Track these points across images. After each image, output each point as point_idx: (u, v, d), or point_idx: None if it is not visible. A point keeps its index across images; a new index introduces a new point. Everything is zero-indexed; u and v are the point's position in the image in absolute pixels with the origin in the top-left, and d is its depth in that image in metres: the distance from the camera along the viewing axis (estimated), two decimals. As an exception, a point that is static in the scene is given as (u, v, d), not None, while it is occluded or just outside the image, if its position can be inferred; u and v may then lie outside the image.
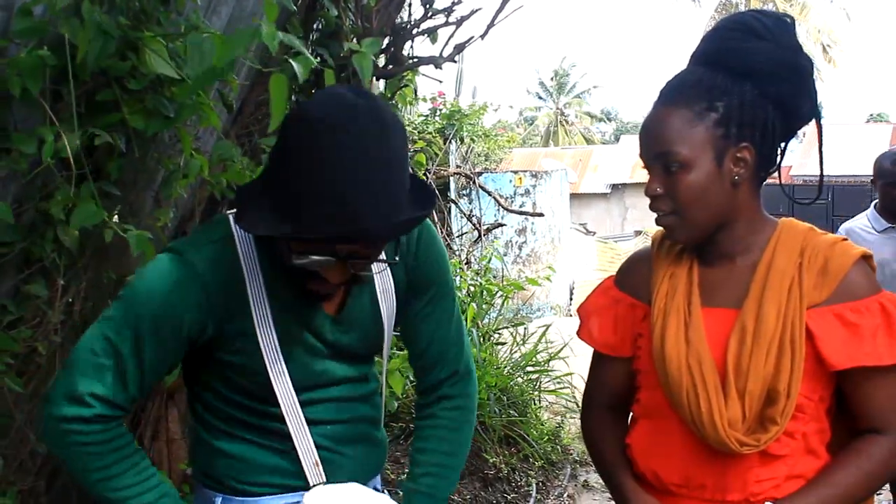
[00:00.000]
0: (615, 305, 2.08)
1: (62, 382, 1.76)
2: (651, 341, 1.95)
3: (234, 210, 1.80)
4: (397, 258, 1.88)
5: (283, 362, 1.85)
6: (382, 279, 1.97)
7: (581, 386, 7.33)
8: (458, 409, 2.11)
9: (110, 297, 2.63)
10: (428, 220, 1.96)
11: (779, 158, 1.94)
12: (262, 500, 1.92)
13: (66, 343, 2.49)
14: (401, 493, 2.08)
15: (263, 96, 3.45)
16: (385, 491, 2.14)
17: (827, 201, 24.91)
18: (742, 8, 37.76)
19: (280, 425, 1.90)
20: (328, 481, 1.92)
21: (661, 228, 1.98)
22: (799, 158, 26.06)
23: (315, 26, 3.79)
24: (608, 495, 6.05)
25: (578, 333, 2.15)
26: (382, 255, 1.84)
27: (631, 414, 2.12)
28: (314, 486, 1.91)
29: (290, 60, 2.26)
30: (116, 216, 2.19)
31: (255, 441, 1.92)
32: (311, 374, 1.91)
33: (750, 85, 1.82)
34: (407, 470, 2.12)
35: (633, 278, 2.08)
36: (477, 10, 4.13)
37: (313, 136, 1.61)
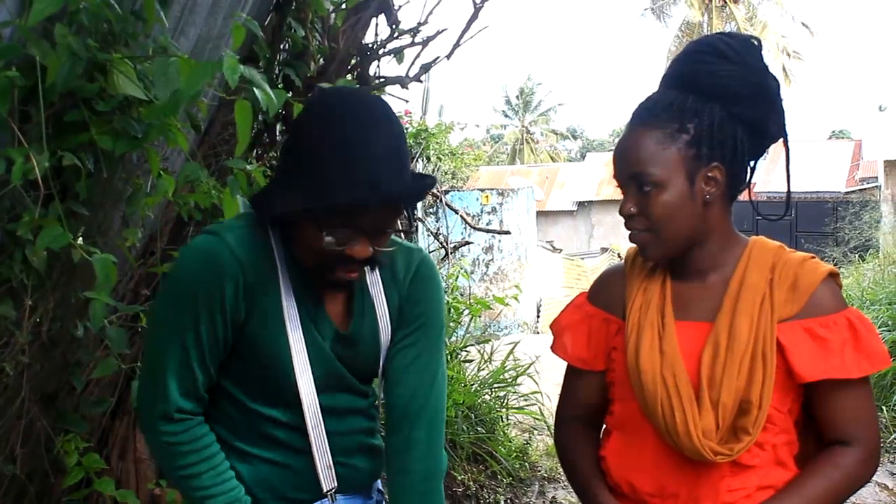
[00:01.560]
0: (588, 320, 2.13)
1: (144, 390, 1.97)
2: (626, 354, 2.00)
3: (255, 208, 1.92)
4: (415, 224, 2.01)
5: (306, 356, 1.93)
6: (380, 306, 2.03)
7: (549, 404, 7.36)
8: (425, 460, 2.06)
9: (78, 316, 2.63)
10: (431, 260, 2.15)
11: (748, 177, 2.00)
12: None
13: (33, 363, 2.48)
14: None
15: (230, 117, 3.47)
16: (385, 496, 2.21)
17: (791, 218, 25.21)
18: (705, 26, 38.24)
19: (296, 435, 1.97)
20: (338, 489, 2.01)
21: (633, 245, 2.04)
22: (763, 175, 26.32)
23: (282, 46, 3.81)
24: (576, 511, 6.12)
25: (552, 348, 2.20)
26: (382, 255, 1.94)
27: (604, 427, 2.16)
28: (328, 491, 2.00)
29: (255, 89, 2.27)
30: (81, 238, 2.19)
31: (270, 459, 1.99)
32: (324, 377, 1.97)
33: (719, 106, 1.89)
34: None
35: (607, 294, 2.13)
36: (443, 31, 4.18)
37: (332, 122, 1.79)
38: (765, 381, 1.87)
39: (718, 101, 1.89)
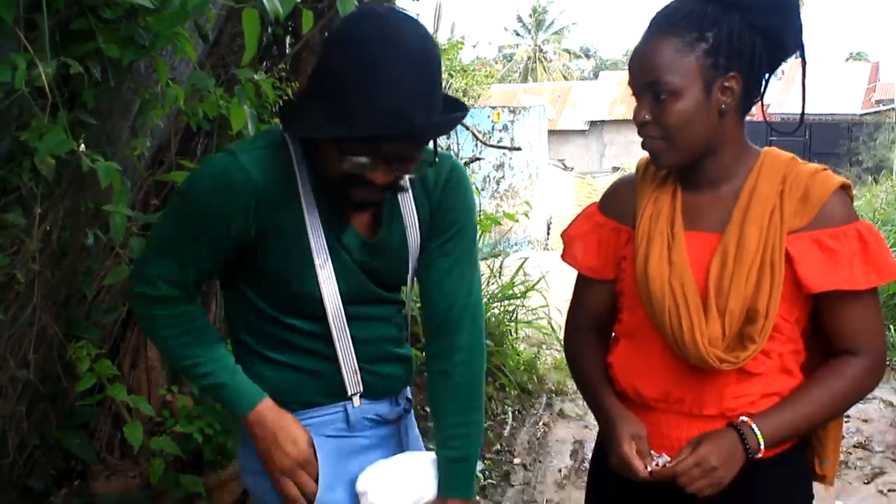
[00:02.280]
0: (599, 230, 2.14)
1: (137, 264, 2.08)
2: (635, 263, 2.01)
3: (282, 121, 1.90)
4: (437, 158, 1.97)
5: (331, 266, 1.94)
6: (408, 213, 2.03)
7: (557, 318, 7.37)
8: (469, 364, 2.09)
9: (88, 225, 2.66)
10: (462, 166, 2.11)
11: (763, 89, 1.99)
12: (303, 414, 2.02)
13: (44, 271, 2.51)
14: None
15: (239, 28, 3.45)
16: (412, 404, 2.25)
17: (804, 139, 24.98)
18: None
19: (320, 343, 1.99)
20: (363, 394, 2.04)
21: (644, 156, 2.05)
22: (777, 96, 26.08)
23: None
24: (583, 423, 6.20)
25: (562, 257, 2.22)
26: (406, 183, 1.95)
27: (613, 334, 2.18)
28: (352, 394, 2.03)
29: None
30: (83, 145, 2.19)
31: (294, 364, 2.01)
32: (349, 288, 1.98)
33: (739, 16, 1.86)
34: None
35: (617, 203, 2.14)
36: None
37: (362, 47, 1.72)
38: (772, 290, 1.88)
39: (738, 10, 1.86)
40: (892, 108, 26.99)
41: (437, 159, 1.97)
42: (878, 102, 29.48)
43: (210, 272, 2.00)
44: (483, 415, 2.13)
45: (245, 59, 2.21)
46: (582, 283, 2.22)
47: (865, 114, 27.99)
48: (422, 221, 2.05)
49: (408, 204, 2.03)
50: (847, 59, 46.14)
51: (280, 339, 2.00)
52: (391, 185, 1.86)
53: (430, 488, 2.04)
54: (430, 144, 1.91)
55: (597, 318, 2.20)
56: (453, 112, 1.86)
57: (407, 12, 1.86)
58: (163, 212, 1.97)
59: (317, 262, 1.92)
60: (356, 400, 2.03)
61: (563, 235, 2.23)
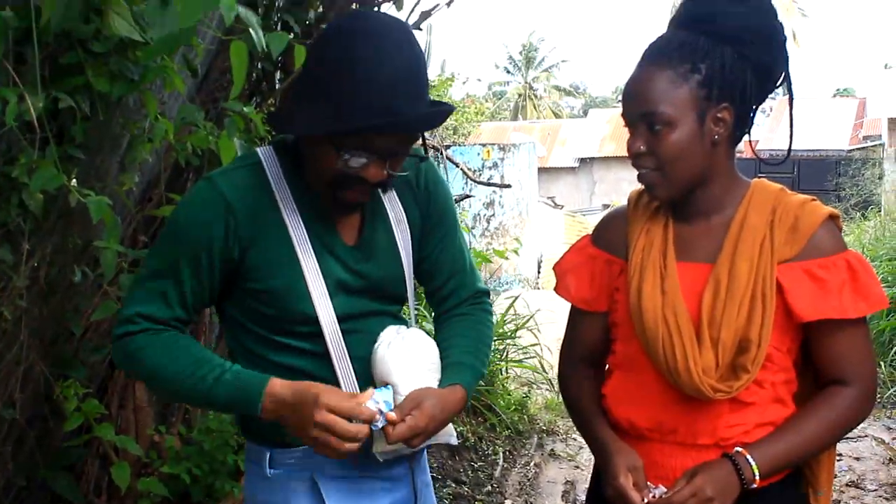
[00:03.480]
0: (591, 262, 2.16)
1: (120, 310, 1.97)
2: (628, 294, 2.02)
3: (273, 124, 1.94)
4: (427, 155, 2.05)
5: (324, 284, 1.93)
6: (395, 209, 2.06)
7: (548, 357, 7.35)
8: (483, 311, 2.21)
9: (76, 262, 2.63)
10: (433, 162, 2.19)
11: (751, 121, 2.01)
12: (308, 451, 1.93)
13: (31, 308, 2.48)
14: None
15: (228, 62, 3.44)
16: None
17: (793, 175, 25.11)
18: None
19: (319, 364, 1.95)
20: None
21: (636, 188, 2.08)
22: (766, 133, 26.24)
23: (281, -7, 3.78)
24: (574, 464, 6.16)
25: (555, 290, 2.22)
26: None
27: (607, 366, 2.18)
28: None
29: (251, 31, 2.25)
30: (75, 180, 2.18)
31: None
32: (344, 304, 1.96)
33: (730, 48, 1.89)
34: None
35: (610, 235, 2.15)
36: (443, -22, 4.14)
37: (350, 43, 1.79)
38: (764, 320, 1.89)
39: (729, 42, 1.90)
40: (880, 144, 27.17)
41: (424, 155, 2.04)
42: (865, 138, 29.69)
43: (195, 307, 1.96)
44: (486, 363, 2.15)
45: (233, 92, 2.21)
46: (575, 316, 2.23)
47: (853, 150, 28.18)
48: (412, 224, 2.09)
49: (393, 203, 2.06)
50: (834, 95, 46.49)
51: (279, 364, 1.95)
52: (383, 182, 1.89)
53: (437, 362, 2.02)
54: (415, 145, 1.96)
55: (590, 350, 2.20)
56: (438, 108, 1.92)
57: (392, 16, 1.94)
58: (147, 253, 1.96)
59: (307, 276, 1.91)
60: None
61: (555, 268, 2.24)
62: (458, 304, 2.19)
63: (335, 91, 1.78)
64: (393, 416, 1.82)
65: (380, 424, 1.82)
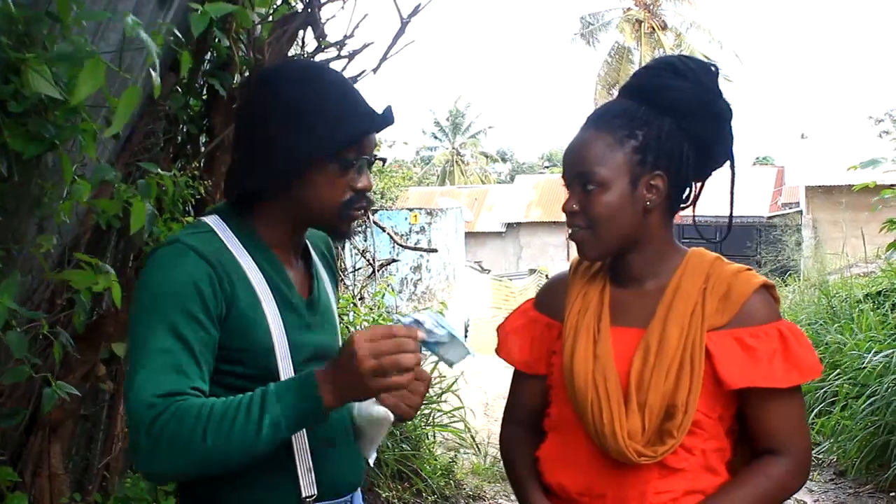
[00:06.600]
0: (532, 325, 2.20)
1: (130, 405, 1.72)
2: (562, 357, 2.03)
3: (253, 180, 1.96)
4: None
5: (286, 338, 1.92)
6: (323, 274, 2.15)
7: (474, 422, 7.35)
8: None
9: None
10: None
11: (692, 196, 2.08)
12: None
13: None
14: None
15: (151, 126, 3.43)
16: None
17: (717, 241, 25.60)
18: (634, 52, 38.87)
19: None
20: (318, 482, 1.93)
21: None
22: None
23: (207, 56, 3.78)
24: (501, 529, 6.12)
25: (497, 352, 2.25)
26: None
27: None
28: (305, 497, 1.91)
29: (152, 72, 2.23)
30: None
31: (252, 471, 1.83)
32: (302, 355, 1.94)
33: (670, 120, 1.96)
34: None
35: (550, 299, 2.19)
36: (369, 45, 4.18)
37: (315, 75, 1.97)
38: (692, 386, 1.91)
39: (669, 114, 1.96)
40: (798, 211, 27.88)
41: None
42: (784, 205, 30.50)
43: (208, 369, 1.82)
44: None
45: (108, 132, 2.12)
46: (517, 378, 2.26)
47: (772, 216, 28.85)
48: (332, 284, 2.19)
49: (319, 267, 2.14)
50: (754, 164, 47.61)
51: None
52: (370, 199, 2.02)
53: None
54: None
55: (530, 412, 2.22)
56: (389, 112, 2.05)
57: None
58: (131, 334, 1.80)
59: (274, 335, 1.90)
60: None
61: (498, 329, 2.27)
62: None
63: (321, 112, 1.91)
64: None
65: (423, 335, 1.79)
